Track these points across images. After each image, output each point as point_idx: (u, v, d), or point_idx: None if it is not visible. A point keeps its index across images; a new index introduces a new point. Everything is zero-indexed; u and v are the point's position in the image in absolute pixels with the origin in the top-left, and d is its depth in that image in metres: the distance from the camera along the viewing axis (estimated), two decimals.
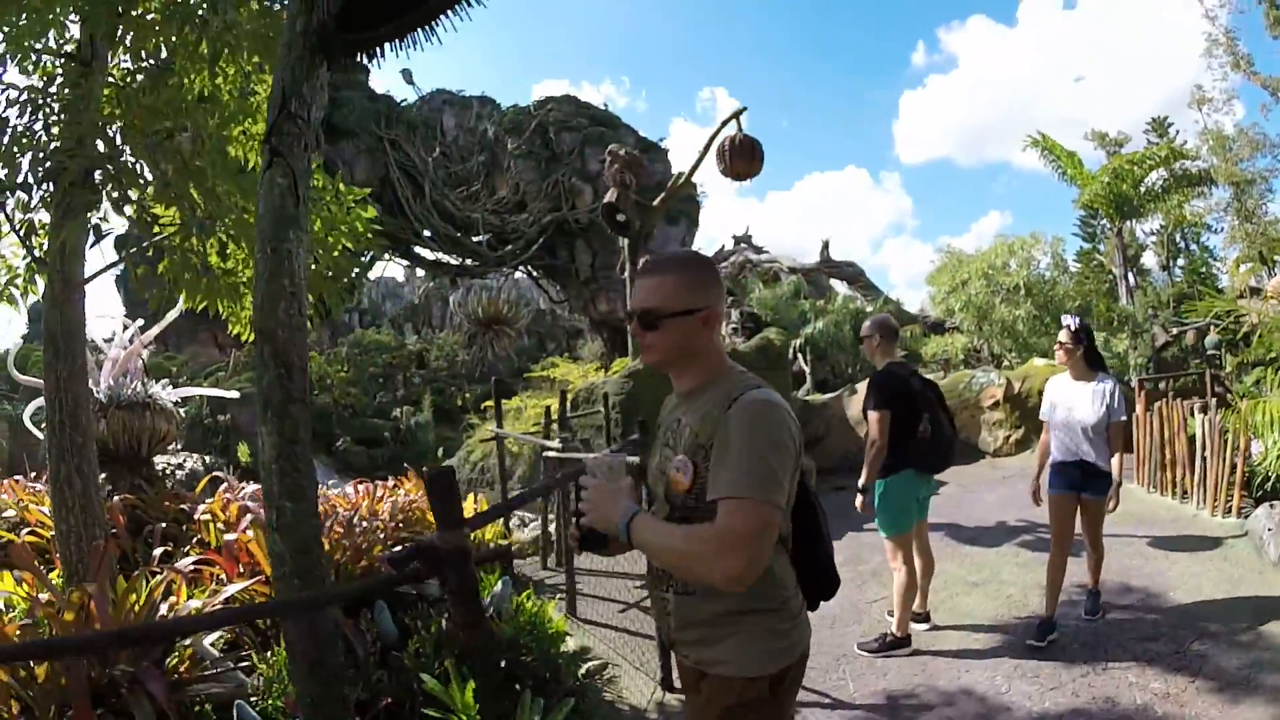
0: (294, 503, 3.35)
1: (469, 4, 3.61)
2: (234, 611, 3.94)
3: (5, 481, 7.58)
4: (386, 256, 32.41)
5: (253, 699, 3.82)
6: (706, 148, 8.72)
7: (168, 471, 15.65)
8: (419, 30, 3.55)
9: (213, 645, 4.28)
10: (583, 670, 5.29)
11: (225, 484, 7.35)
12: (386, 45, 3.56)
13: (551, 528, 8.60)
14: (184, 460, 16.14)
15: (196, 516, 6.26)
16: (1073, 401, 5.02)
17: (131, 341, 7.79)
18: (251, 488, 6.93)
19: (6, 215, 5.34)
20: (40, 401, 5.68)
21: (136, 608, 4.07)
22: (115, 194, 5.34)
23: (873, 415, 5.00)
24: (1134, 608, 5.44)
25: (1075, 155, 18.48)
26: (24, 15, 4.91)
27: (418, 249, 30.17)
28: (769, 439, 1.78)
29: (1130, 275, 18.51)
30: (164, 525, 6.32)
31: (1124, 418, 4.95)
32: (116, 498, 6.61)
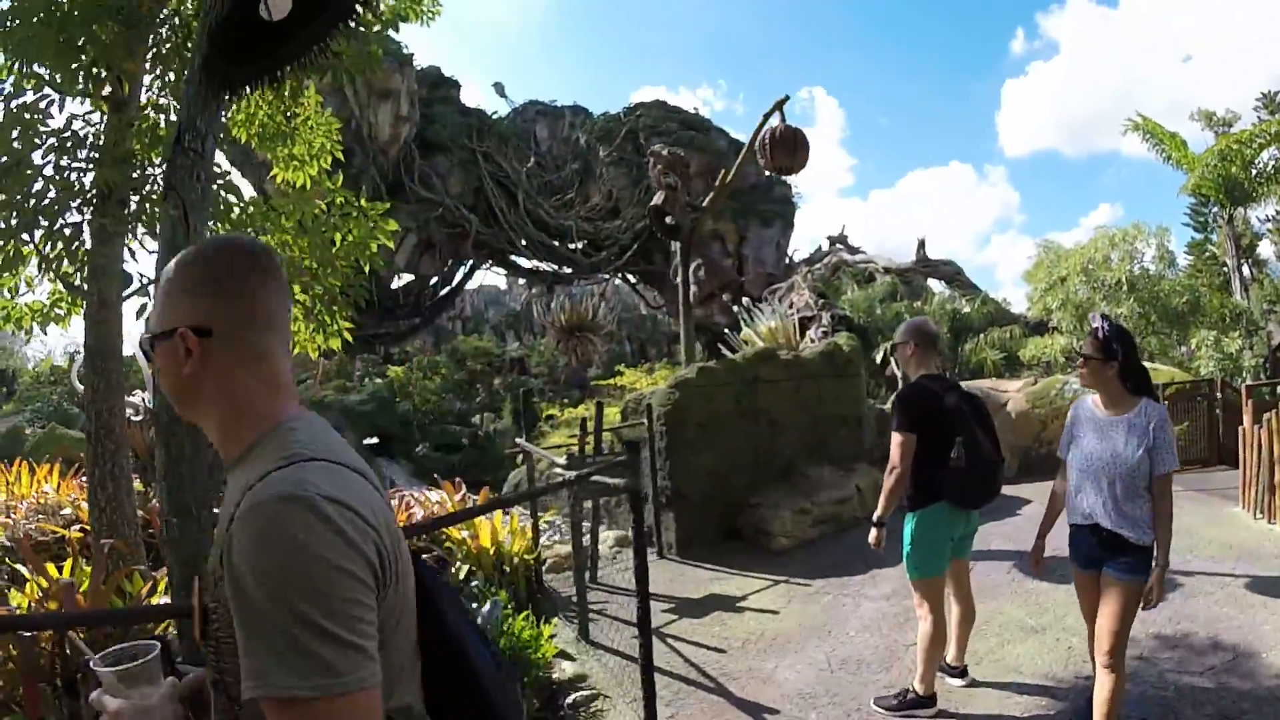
0: (180, 519, 3.46)
1: (349, 25, 3.84)
2: (139, 611, 4.11)
3: (66, 481, 8.23)
4: (485, 266, 32.66)
5: None
6: (751, 143, 8.08)
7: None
8: (296, 61, 3.65)
9: None
10: (570, 699, 4.93)
11: None
12: (267, 76, 3.68)
13: (586, 540, 8.11)
14: None
15: None
16: (1099, 438, 3.61)
17: None
18: None
19: (36, 246, 5.67)
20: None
21: (112, 599, 4.49)
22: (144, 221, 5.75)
23: (895, 438, 4.28)
24: (1217, 671, 4.54)
25: (1178, 137, 16.87)
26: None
27: (514, 258, 30.25)
28: (300, 579, 1.01)
29: (1245, 267, 16.76)
30: None
31: (1175, 467, 3.50)
32: (155, 500, 6.74)
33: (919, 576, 4.42)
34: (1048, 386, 11.23)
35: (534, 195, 27.97)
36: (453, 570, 6.78)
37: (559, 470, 7.01)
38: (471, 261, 32.46)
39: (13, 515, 7.22)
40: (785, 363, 9.53)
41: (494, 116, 28.87)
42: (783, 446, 9.24)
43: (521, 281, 38.90)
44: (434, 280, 31.81)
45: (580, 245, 28.87)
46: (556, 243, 28.53)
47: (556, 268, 30.02)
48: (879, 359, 15.96)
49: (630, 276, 31.33)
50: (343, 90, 26.16)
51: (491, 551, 7.11)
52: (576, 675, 5.25)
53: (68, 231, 5.68)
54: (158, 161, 5.81)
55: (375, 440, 16.24)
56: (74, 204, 5.53)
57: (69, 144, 5.47)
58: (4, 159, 5.18)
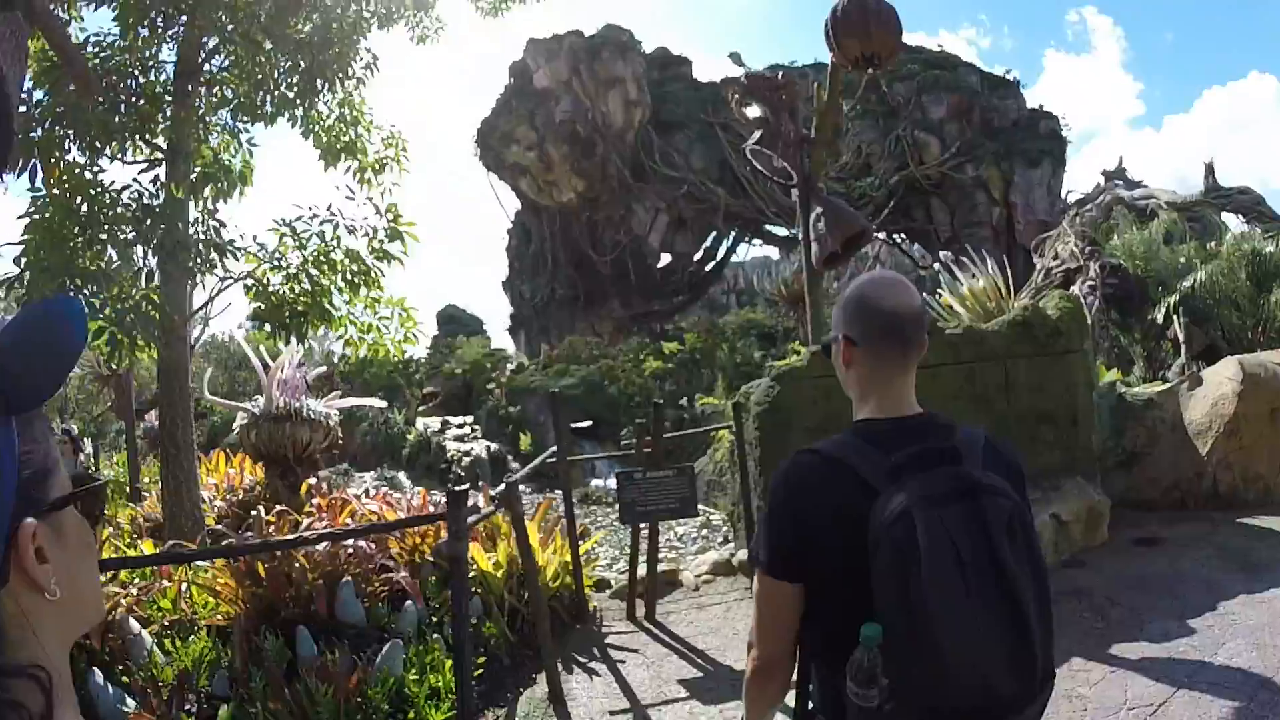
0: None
1: None
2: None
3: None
4: (746, 239, 30.62)
5: None
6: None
7: (454, 457, 15.84)
8: None
9: None
10: None
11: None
12: None
13: (641, 569, 6.19)
14: (471, 448, 16.15)
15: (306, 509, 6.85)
16: None
17: (301, 365, 8.82)
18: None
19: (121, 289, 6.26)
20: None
21: None
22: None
23: (755, 583, 1.70)
24: None
25: None
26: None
27: (768, 227, 27.92)
28: None
29: None
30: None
31: None
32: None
33: None
34: None
35: None
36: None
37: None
38: (734, 234, 30.65)
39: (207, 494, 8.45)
40: (950, 340, 6.61)
41: None
42: None
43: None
44: (697, 256, 30.42)
45: None
46: None
47: None
48: (1159, 318, 11.85)
49: (895, 236, 27.75)
50: (569, 85, 25.39)
51: (499, 575, 5.70)
52: None
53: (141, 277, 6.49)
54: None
55: (588, 424, 14.92)
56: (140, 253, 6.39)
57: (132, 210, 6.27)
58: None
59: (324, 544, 5.12)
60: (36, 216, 5.95)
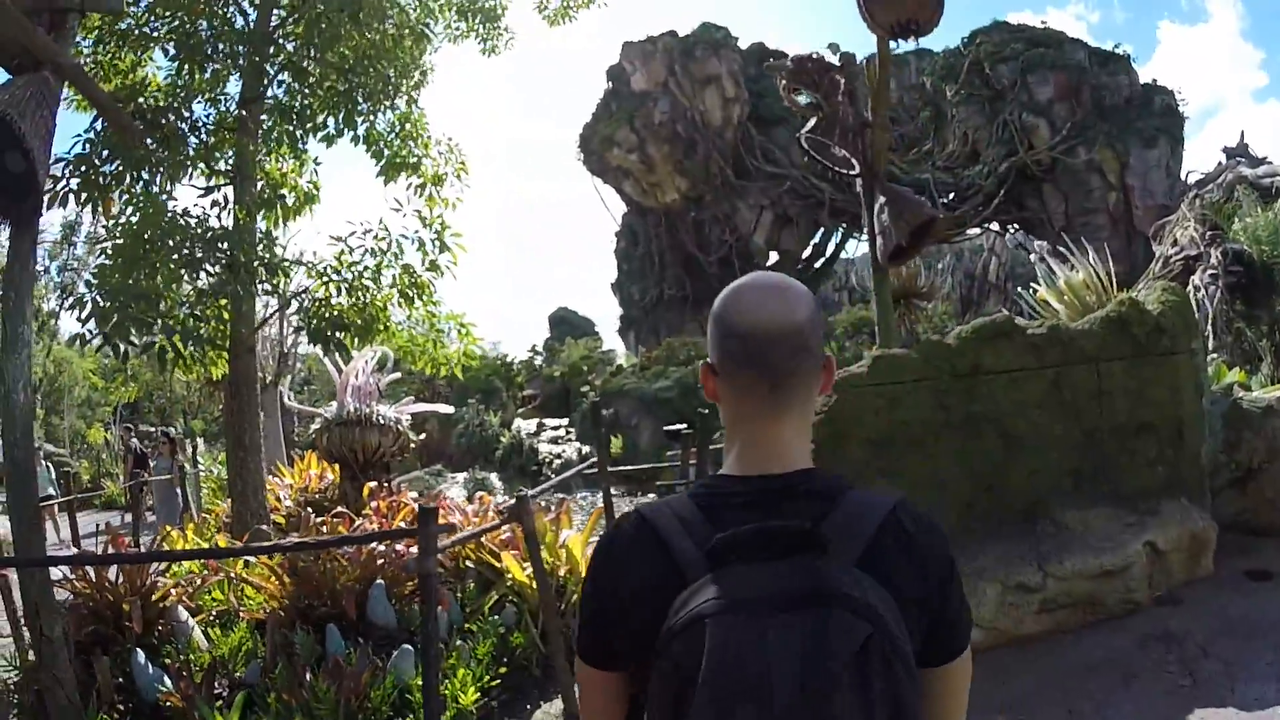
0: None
1: None
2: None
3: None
4: (856, 236, 29.57)
5: None
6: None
7: (546, 460, 15.72)
8: None
9: None
10: None
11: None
12: None
13: None
14: (563, 450, 15.98)
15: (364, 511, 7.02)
16: None
17: (378, 369, 8.85)
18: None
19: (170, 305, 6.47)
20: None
21: None
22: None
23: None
24: None
25: None
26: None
27: None
28: None
29: None
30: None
31: None
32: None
33: None
34: None
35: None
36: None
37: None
38: (841, 230, 29.66)
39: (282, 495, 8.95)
40: (1032, 342, 5.87)
41: None
42: (1023, 475, 5.67)
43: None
44: (805, 254, 29.59)
45: (945, 198, 24.57)
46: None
47: None
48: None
49: (1009, 227, 26.09)
50: (666, 86, 24.92)
51: (530, 584, 5.42)
52: None
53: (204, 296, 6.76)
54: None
55: (682, 426, 14.48)
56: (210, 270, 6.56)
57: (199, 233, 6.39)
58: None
59: (348, 547, 5.39)
60: (110, 245, 6.27)
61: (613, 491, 9.77)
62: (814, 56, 5.91)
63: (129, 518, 13.29)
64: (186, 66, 7.02)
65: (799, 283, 1.20)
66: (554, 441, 17.21)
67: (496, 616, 5.39)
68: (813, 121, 5.78)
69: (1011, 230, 26.28)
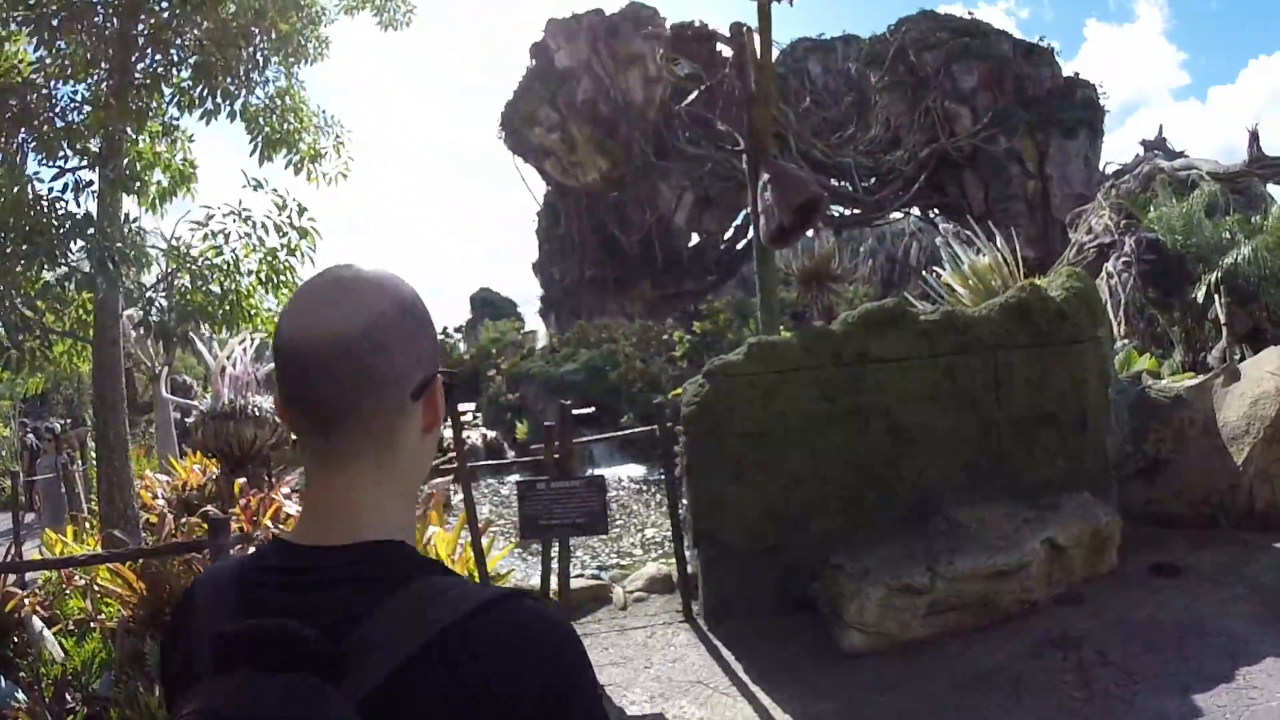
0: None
1: None
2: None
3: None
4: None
5: None
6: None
7: (447, 446, 14.94)
8: None
9: None
10: None
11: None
12: None
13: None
14: (469, 435, 15.23)
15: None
16: None
17: (255, 358, 8.45)
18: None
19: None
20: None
21: None
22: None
23: None
24: None
25: None
26: None
27: None
28: None
29: None
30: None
31: None
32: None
33: None
34: None
35: (807, 137, 23.79)
36: None
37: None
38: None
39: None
40: (924, 329, 5.36)
41: None
42: (914, 470, 5.17)
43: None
44: (728, 235, 29.12)
45: (867, 183, 24.28)
46: (835, 183, 24.17)
47: (841, 210, 25.65)
48: (1199, 297, 10.30)
49: (929, 213, 25.97)
50: (589, 65, 24.11)
51: None
52: None
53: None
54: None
55: (589, 410, 13.81)
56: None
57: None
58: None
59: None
60: None
61: (519, 477, 9.25)
62: (695, 24, 5.22)
63: (29, 517, 12.28)
64: (43, 43, 6.47)
65: (385, 279, 0.84)
66: (461, 426, 16.42)
67: None
68: (694, 94, 5.12)
69: (933, 215, 26.19)
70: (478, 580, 5.24)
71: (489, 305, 35.10)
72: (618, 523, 10.19)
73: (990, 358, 5.38)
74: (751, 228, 5.59)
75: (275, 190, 6.62)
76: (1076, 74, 21.90)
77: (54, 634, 4.98)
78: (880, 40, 23.11)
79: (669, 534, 8.87)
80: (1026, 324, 5.52)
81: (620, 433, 10.74)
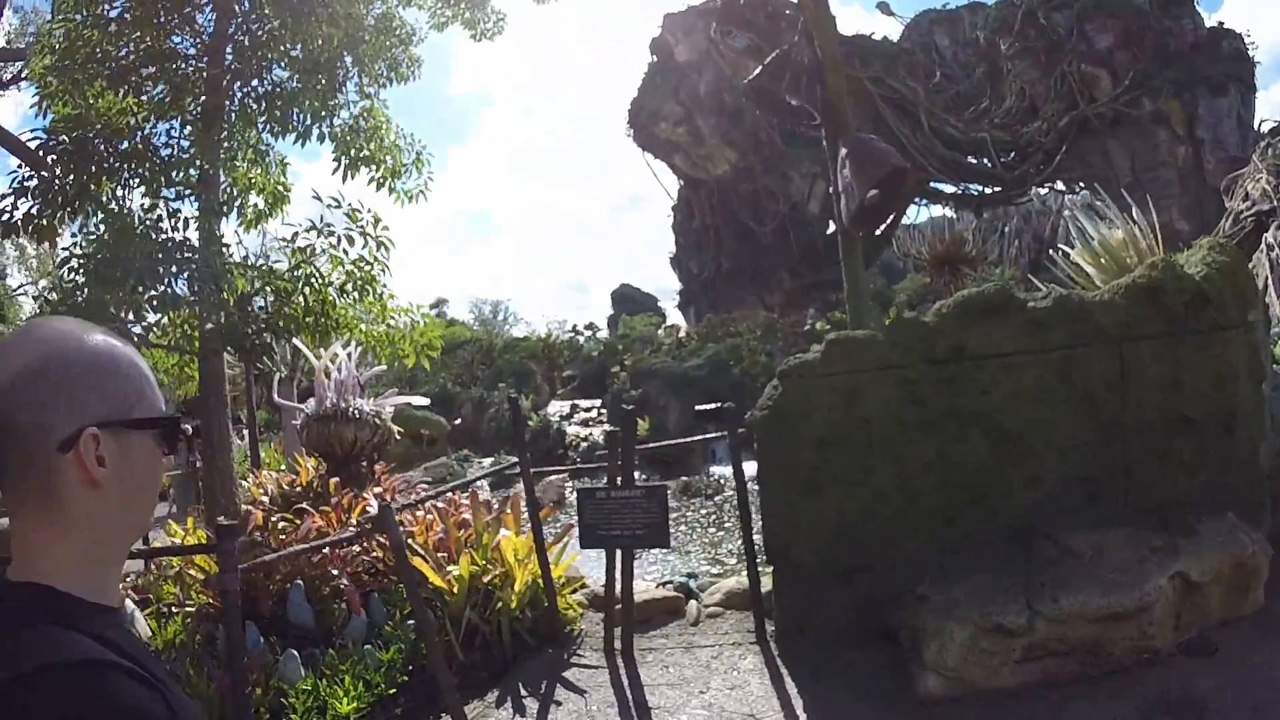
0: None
1: None
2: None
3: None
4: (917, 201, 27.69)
5: None
6: None
7: (573, 442, 14.78)
8: None
9: None
10: None
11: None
12: None
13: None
14: (591, 432, 15.01)
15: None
16: None
17: (358, 367, 8.45)
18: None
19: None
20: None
21: None
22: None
23: None
24: None
25: None
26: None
27: (934, 185, 24.79)
28: None
29: None
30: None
31: None
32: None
33: None
34: None
35: (938, 113, 22.26)
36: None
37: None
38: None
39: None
40: (1034, 318, 4.59)
41: (881, 39, 23.64)
42: (1019, 484, 4.44)
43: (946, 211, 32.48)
44: None
45: (1007, 158, 22.48)
46: (973, 160, 22.52)
47: (981, 188, 23.89)
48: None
49: (1075, 186, 23.79)
50: (709, 55, 23.45)
51: (450, 588, 5.01)
52: None
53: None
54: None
55: (714, 406, 13.32)
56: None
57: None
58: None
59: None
60: (75, 263, 6.23)
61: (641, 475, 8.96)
62: None
63: (174, 509, 13.28)
64: (130, 91, 6.90)
65: (51, 333, 0.87)
66: (584, 424, 16.29)
67: (411, 622, 4.87)
68: (758, 70, 4.57)
69: (1079, 189, 24.00)
70: (541, 584, 4.98)
71: (628, 301, 35.12)
72: (725, 525, 9.67)
73: (1113, 350, 4.55)
74: (834, 206, 4.98)
75: (351, 205, 6.79)
76: (1221, 24, 19.42)
77: (145, 615, 5.18)
78: (1007, 4, 21.27)
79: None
80: (1158, 309, 4.63)
81: (673, 441, 10.48)
